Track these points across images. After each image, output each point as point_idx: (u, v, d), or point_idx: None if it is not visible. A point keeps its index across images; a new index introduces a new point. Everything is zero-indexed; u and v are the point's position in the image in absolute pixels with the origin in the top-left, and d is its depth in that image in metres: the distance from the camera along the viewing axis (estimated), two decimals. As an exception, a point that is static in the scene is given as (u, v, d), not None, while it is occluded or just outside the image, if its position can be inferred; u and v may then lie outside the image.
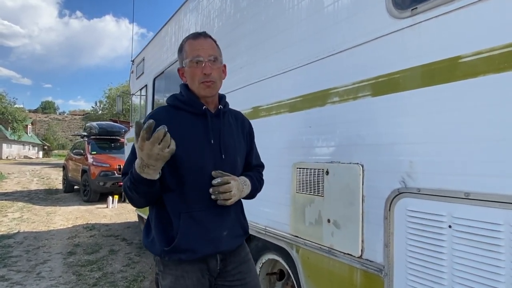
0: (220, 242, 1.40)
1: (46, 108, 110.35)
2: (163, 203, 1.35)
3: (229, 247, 1.43)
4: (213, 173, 1.36)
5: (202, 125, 1.39)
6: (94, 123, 12.05)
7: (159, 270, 1.41)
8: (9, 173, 18.57)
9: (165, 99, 1.50)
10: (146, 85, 5.04)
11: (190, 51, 1.37)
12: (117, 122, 13.17)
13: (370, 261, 1.47)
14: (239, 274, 1.47)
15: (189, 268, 1.36)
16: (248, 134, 1.57)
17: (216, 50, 1.41)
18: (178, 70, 1.45)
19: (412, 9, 1.33)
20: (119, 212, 8.22)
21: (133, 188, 1.26)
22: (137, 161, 1.20)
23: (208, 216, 1.36)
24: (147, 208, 1.46)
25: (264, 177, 1.64)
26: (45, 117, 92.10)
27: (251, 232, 2.34)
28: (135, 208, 5.94)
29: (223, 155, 1.40)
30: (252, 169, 1.59)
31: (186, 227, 1.32)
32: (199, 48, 1.37)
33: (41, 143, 55.56)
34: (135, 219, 6.82)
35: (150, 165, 1.18)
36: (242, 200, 1.52)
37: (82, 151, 10.65)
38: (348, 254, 1.57)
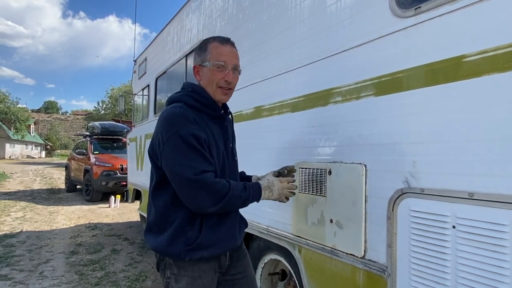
0: (235, 237, 1.50)
1: (49, 108, 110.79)
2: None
3: (240, 242, 1.55)
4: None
5: (219, 128, 1.46)
6: (97, 123, 12.08)
7: (172, 274, 1.38)
8: (12, 173, 18.65)
9: (171, 95, 1.49)
10: (148, 85, 5.04)
11: (216, 54, 1.40)
12: (119, 122, 13.17)
13: (373, 261, 1.46)
14: (241, 267, 1.55)
15: (206, 267, 1.40)
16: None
17: (239, 60, 1.48)
18: (194, 67, 1.46)
19: (415, 8, 1.33)
20: (121, 211, 8.24)
21: (242, 204, 1.38)
22: (271, 195, 1.46)
23: (227, 213, 1.42)
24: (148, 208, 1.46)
25: None
26: (48, 117, 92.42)
27: (253, 232, 2.34)
28: (137, 208, 5.96)
29: (235, 157, 1.54)
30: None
31: (209, 225, 1.37)
32: (226, 54, 1.41)
33: (43, 142, 55.76)
34: (137, 218, 6.83)
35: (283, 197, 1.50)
36: None
37: (84, 151, 10.69)
38: (350, 254, 1.57)
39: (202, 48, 1.44)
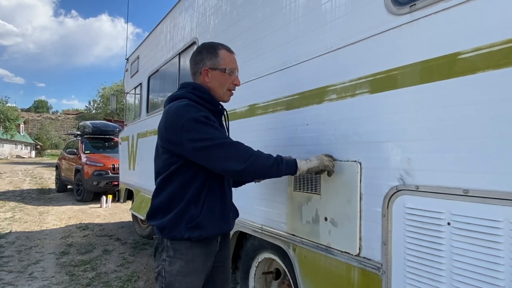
0: (229, 222, 1.65)
1: (39, 107, 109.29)
2: (192, 186, 1.49)
3: (231, 228, 1.68)
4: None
5: (218, 122, 1.62)
6: (88, 122, 11.93)
7: (168, 256, 1.49)
8: (0, 173, 18.34)
9: (172, 94, 1.62)
10: (140, 84, 4.99)
11: (229, 61, 1.62)
12: (111, 121, 13.07)
13: (368, 259, 1.46)
14: (223, 257, 1.69)
15: (199, 252, 1.52)
16: None
17: None
18: (204, 70, 1.59)
19: (410, 6, 1.33)
20: (113, 211, 8.16)
21: (273, 166, 1.45)
22: (310, 162, 1.55)
23: (224, 198, 1.59)
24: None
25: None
26: (38, 116, 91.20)
27: (247, 231, 2.33)
28: (129, 208, 5.90)
29: None
30: None
31: (209, 206, 1.51)
32: (235, 62, 1.66)
33: (33, 142, 55.02)
34: (129, 218, 6.78)
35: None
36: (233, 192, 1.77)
37: (75, 150, 10.56)
38: (345, 252, 1.56)
39: (212, 53, 1.60)
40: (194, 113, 1.43)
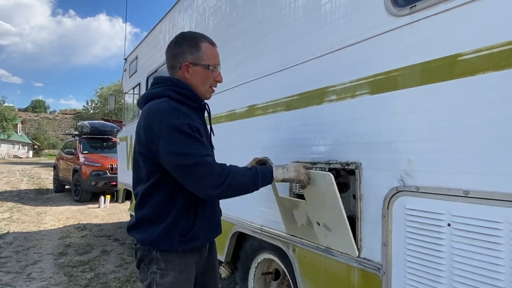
0: (220, 226, 1.60)
1: (37, 107, 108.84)
2: (180, 196, 1.38)
3: (221, 232, 1.61)
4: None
5: (200, 119, 1.49)
6: (86, 122, 11.90)
7: (158, 268, 1.37)
8: (-2, 173, 18.25)
9: (149, 91, 1.48)
10: (139, 84, 4.98)
11: (211, 56, 1.47)
12: (109, 121, 13.03)
13: (368, 260, 1.46)
14: (212, 260, 1.63)
15: (191, 260, 1.45)
16: None
17: None
18: (184, 65, 1.43)
19: (410, 7, 1.33)
20: (111, 212, 8.14)
21: (251, 182, 1.35)
22: (287, 172, 1.45)
23: (214, 203, 1.54)
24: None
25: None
26: (36, 116, 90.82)
27: (246, 231, 2.33)
28: (127, 208, 5.88)
29: (213, 148, 1.57)
30: None
31: (203, 215, 1.44)
32: (218, 57, 1.51)
33: (31, 142, 54.81)
34: (128, 219, 6.75)
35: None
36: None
37: (73, 151, 10.52)
38: (345, 253, 1.56)
39: (194, 46, 1.44)
40: (176, 119, 1.29)
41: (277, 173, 1.43)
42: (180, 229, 1.38)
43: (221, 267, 2.58)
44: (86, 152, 10.28)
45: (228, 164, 1.36)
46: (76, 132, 11.75)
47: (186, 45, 1.44)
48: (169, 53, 1.48)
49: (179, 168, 1.28)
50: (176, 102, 1.37)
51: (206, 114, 1.58)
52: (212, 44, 1.49)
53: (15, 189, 12.22)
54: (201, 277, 1.56)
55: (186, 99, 1.42)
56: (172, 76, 1.48)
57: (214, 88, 1.53)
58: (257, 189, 1.39)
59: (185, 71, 1.44)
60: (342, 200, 1.48)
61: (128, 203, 5.78)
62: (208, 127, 1.59)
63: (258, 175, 1.37)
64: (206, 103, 1.55)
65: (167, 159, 1.29)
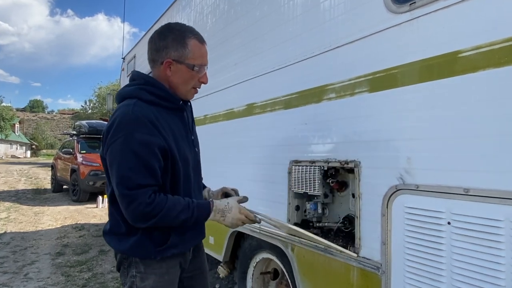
0: (203, 231, 1.48)
1: (35, 107, 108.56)
2: None
3: (205, 235, 1.51)
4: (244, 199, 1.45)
5: (178, 120, 1.35)
6: (84, 122, 11.85)
7: (138, 272, 1.30)
8: (-5, 173, 18.19)
9: (122, 89, 1.36)
10: (137, 83, 4.96)
11: (198, 56, 1.31)
12: (107, 121, 12.99)
13: (367, 259, 1.45)
14: (199, 263, 1.53)
15: (173, 263, 1.36)
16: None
17: None
18: (167, 61, 1.28)
19: (410, 4, 1.32)
20: (109, 212, 8.10)
21: (181, 223, 1.25)
22: (222, 220, 1.34)
23: None
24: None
25: (259, 176, 1.62)
26: (33, 116, 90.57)
27: (245, 231, 2.31)
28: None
29: (196, 148, 1.44)
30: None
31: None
32: (205, 56, 1.35)
33: (29, 142, 54.66)
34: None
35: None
36: None
37: (71, 150, 10.47)
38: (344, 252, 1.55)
39: (179, 41, 1.28)
40: (130, 134, 1.17)
41: (213, 218, 1.33)
42: (154, 240, 1.28)
43: (219, 266, 2.57)
44: (84, 152, 10.23)
45: (165, 198, 1.22)
46: (74, 132, 11.70)
47: (172, 39, 1.28)
48: (151, 45, 1.32)
49: (116, 187, 1.20)
50: (148, 103, 1.25)
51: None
52: (201, 41, 1.33)
53: (12, 189, 12.17)
54: (189, 281, 1.49)
55: (161, 100, 1.28)
56: (151, 72, 1.36)
57: (197, 88, 1.39)
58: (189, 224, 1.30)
59: (167, 67, 1.29)
60: (341, 200, 1.47)
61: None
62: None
63: (191, 217, 1.26)
64: (186, 102, 1.42)
65: (111, 171, 1.22)
